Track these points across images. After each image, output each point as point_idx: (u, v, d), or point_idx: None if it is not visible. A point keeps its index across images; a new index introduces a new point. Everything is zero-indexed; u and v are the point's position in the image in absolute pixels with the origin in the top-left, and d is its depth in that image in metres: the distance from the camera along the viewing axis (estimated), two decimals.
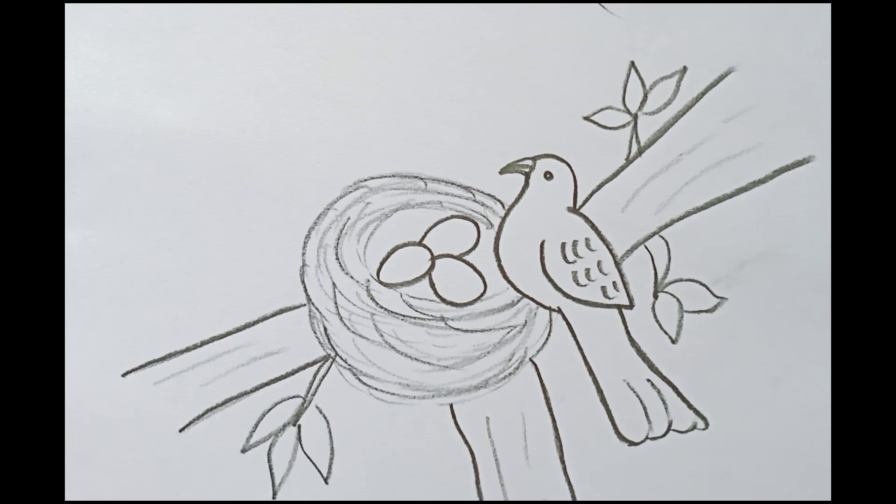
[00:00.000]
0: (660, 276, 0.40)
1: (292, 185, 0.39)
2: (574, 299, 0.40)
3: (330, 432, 0.40)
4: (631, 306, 0.40)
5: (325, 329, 0.40)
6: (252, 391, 0.39)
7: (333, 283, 0.40)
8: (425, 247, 0.40)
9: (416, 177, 0.40)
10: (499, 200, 0.40)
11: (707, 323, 0.40)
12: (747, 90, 0.40)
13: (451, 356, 0.40)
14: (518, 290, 0.40)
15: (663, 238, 0.40)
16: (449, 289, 0.40)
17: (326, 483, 0.40)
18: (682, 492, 0.40)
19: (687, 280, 0.40)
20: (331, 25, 0.39)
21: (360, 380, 0.40)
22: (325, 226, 0.40)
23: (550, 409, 0.40)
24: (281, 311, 0.39)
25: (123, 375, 0.39)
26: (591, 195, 0.40)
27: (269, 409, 0.39)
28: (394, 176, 0.40)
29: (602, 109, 0.40)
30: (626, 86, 0.40)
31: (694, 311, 0.40)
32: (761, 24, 0.40)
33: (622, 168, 0.40)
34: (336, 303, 0.40)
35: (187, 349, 0.39)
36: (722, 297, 0.40)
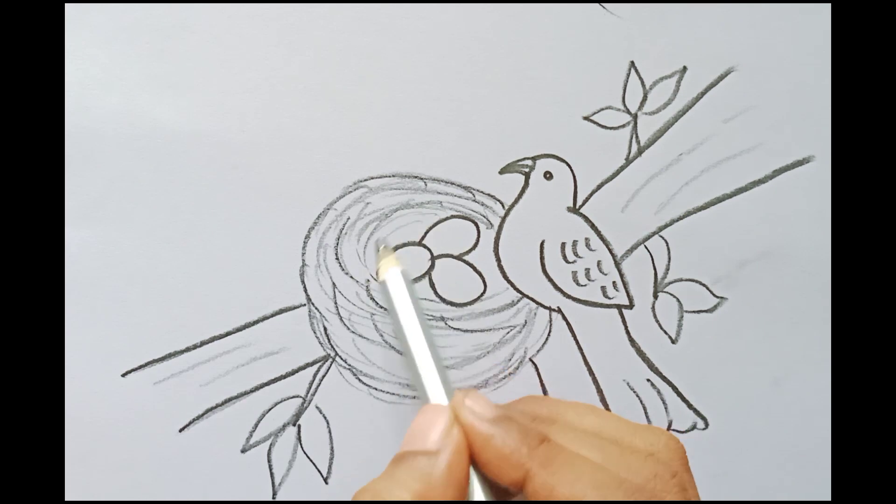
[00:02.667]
0: (660, 276, 0.40)
1: (292, 185, 0.39)
2: (574, 299, 0.40)
3: (330, 432, 0.40)
4: (631, 306, 0.40)
5: (325, 329, 0.40)
6: (252, 391, 0.39)
7: (333, 283, 0.40)
8: (425, 247, 0.40)
9: (416, 177, 0.40)
10: (499, 200, 0.40)
11: (707, 323, 0.40)
12: (747, 90, 0.40)
13: (451, 356, 0.40)
14: (518, 290, 0.40)
15: (663, 238, 0.40)
16: (449, 289, 0.40)
17: (326, 483, 0.40)
18: None
19: (687, 280, 0.40)
20: (331, 25, 0.39)
21: (360, 380, 0.40)
22: (325, 226, 0.40)
23: None
24: (281, 311, 0.39)
25: (123, 375, 0.39)
26: (591, 195, 0.40)
27: (269, 409, 0.40)
28: (394, 176, 0.40)
29: (602, 109, 0.40)
30: (625, 86, 0.40)
31: (694, 311, 0.40)
32: (761, 24, 0.40)
33: (622, 168, 0.40)
34: (336, 303, 0.40)
35: (187, 349, 0.39)
36: (722, 297, 0.40)
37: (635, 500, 0.26)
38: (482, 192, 0.40)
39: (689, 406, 0.40)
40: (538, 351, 0.40)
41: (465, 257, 0.40)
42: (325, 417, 0.40)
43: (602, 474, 0.27)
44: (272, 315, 0.39)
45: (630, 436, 0.29)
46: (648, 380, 0.40)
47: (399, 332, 0.33)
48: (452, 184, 0.40)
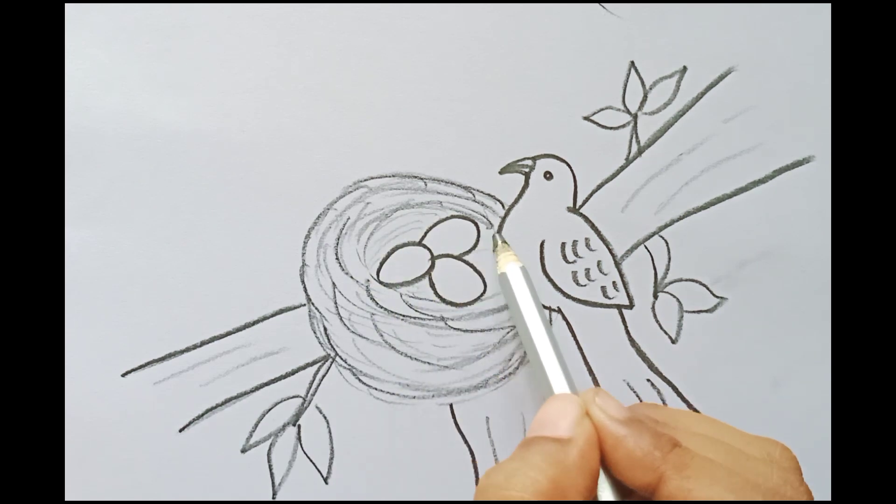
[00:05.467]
0: (660, 276, 0.40)
1: (292, 185, 0.39)
2: (574, 299, 0.40)
3: (330, 432, 0.40)
4: (631, 306, 0.40)
5: (325, 329, 0.40)
6: (252, 391, 0.39)
7: (333, 283, 0.40)
8: (425, 247, 0.40)
9: (416, 177, 0.40)
10: (499, 200, 0.40)
11: (707, 323, 0.40)
12: (747, 90, 0.40)
13: (451, 356, 0.40)
14: None
15: (663, 238, 0.40)
16: (449, 289, 0.40)
17: (326, 483, 0.40)
18: None
19: (687, 280, 0.40)
20: (331, 25, 0.39)
21: (360, 380, 0.40)
22: (325, 226, 0.40)
23: None
24: (281, 311, 0.39)
25: (123, 375, 0.39)
26: (591, 195, 0.40)
27: (269, 409, 0.40)
28: (394, 176, 0.40)
29: (602, 109, 0.40)
30: (625, 86, 0.40)
31: (694, 311, 0.40)
32: (761, 24, 0.40)
33: (622, 168, 0.40)
34: (336, 303, 0.40)
35: (187, 349, 0.39)
36: (722, 297, 0.40)
37: (773, 500, 0.27)
38: (482, 192, 0.40)
39: (689, 406, 0.40)
40: None
41: (465, 257, 0.40)
42: (325, 417, 0.40)
43: (736, 478, 0.27)
44: (272, 315, 0.39)
45: (745, 444, 0.29)
46: (648, 380, 0.40)
47: (521, 325, 0.35)
48: (452, 184, 0.40)
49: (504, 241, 0.39)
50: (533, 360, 0.34)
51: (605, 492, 0.29)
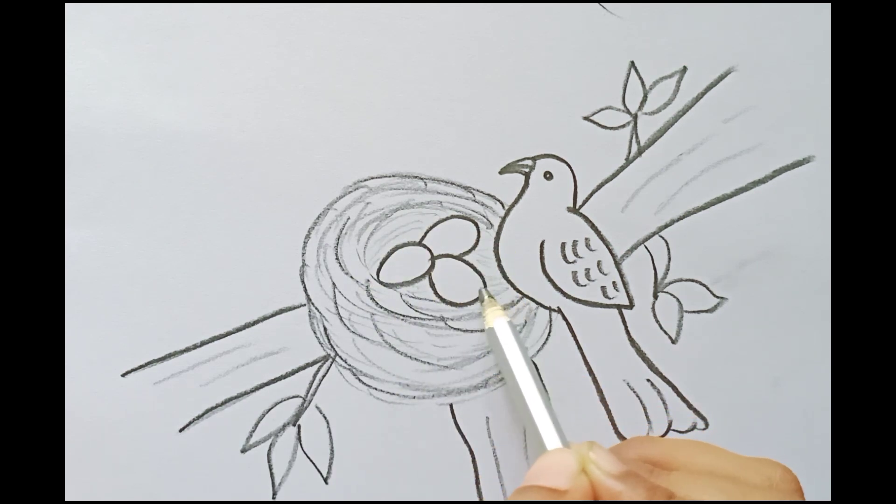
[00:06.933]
0: (660, 276, 0.40)
1: (292, 185, 0.39)
2: (574, 299, 0.40)
3: (330, 432, 0.40)
4: (631, 306, 0.40)
5: (325, 329, 0.40)
6: (252, 391, 0.39)
7: (333, 283, 0.40)
8: (425, 247, 0.40)
9: (416, 177, 0.40)
10: (499, 200, 0.40)
11: (707, 323, 0.40)
12: (747, 90, 0.40)
13: (451, 356, 0.40)
14: (518, 290, 0.40)
15: (663, 238, 0.40)
16: (449, 289, 0.40)
17: (326, 483, 0.40)
18: None
19: (687, 280, 0.40)
20: (331, 25, 0.39)
21: (360, 380, 0.40)
22: (325, 226, 0.40)
23: None
24: (281, 311, 0.39)
25: (123, 375, 0.39)
26: (591, 195, 0.40)
27: (269, 409, 0.40)
28: (394, 176, 0.40)
29: (602, 109, 0.40)
30: (625, 86, 0.40)
31: (694, 311, 0.40)
32: (761, 24, 0.40)
33: (622, 168, 0.40)
34: (336, 303, 0.40)
35: (187, 349, 0.39)
36: (722, 297, 0.40)
37: None
38: (482, 192, 0.40)
39: (689, 406, 0.40)
40: (538, 351, 0.40)
41: (465, 257, 0.40)
42: (325, 417, 0.40)
43: None
44: (272, 315, 0.39)
45: (744, 471, 0.30)
46: (648, 380, 0.40)
47: (511, 380, 0.36)
48: (452, 184, 0.40)
49: (490, 296, 0.39)
50: (524, 416, 0.35)
51: None
